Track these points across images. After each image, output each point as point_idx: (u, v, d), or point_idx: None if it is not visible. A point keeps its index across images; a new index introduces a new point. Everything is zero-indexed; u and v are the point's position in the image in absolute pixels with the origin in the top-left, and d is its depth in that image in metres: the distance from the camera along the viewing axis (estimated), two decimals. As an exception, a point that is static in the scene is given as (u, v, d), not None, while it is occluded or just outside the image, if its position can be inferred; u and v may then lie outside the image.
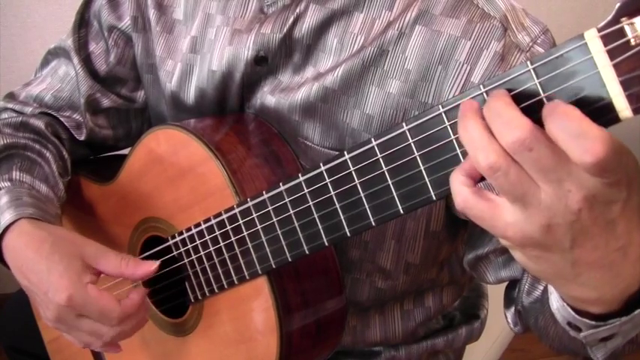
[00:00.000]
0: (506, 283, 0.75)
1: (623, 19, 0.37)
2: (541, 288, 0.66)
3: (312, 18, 0.70)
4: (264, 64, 0.73)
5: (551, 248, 0.43)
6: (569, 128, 0.38)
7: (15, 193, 0.74)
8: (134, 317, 0.69)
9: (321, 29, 0.70)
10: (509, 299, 0.73)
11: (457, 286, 0.87)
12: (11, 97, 0.89)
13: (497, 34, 0.64)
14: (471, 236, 0.74)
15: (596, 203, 0.40)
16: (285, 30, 0.71)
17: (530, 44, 0.64)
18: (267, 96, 0.74)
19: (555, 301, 0.55)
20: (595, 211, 0.41)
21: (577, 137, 0.38)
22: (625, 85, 0.38)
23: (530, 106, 0.41)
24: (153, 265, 0.69)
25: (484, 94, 0.44)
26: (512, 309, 0.72)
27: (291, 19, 0.70)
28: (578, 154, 0.38)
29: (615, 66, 0.38)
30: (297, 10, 0.70)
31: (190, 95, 0.80)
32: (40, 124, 0.84)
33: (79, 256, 0.68)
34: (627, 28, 0.37)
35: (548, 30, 0.66)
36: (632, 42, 0.37)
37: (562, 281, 0.47)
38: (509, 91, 0.42)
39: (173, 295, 0.78)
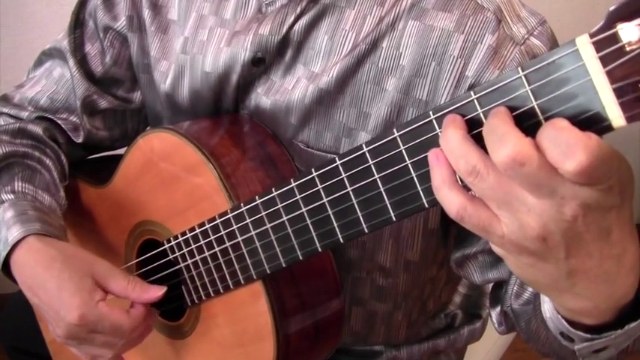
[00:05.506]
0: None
1: (617, 23, 0.36)
2: (530, 290, 0.65)
3: (306, 16, 0.69)
4: (262, 65, 0.72)
5: (546, 258, 0.42)
6: (555, 137, 0.37)
7: (20, 207, 0.73)
8: (142, 326, 0.70)
9: (312, 26, 0.69)
10: (495, 299, 0.72)
11: (453, 282, 0.87)
12: (5, 99, 0.88)
13: (491, 26, 0.62)
14: (460, 234, 0.73)
15: (590, 210, 0.39)
16: (283, 31, 0.70)
17: (526, 36, 0.62)
18: (262, 98, 0.73)
19: (548, 311, 0.55)
20: (588, 218, 0.40)
21: (560, 145, 0.37)
22: (618, 92, 0.37)
23: (525, 115, 0.40)
24: (159, 292, 0.70)
25: (475, 100, 0.43)
26: (498, 309, 0.71)
27: (291, 19, 0.69)
28: (561, 162, 0.37)
29: (608, 73, 0.37)
30: (298, 10, 0.69)
31: (185, 96, 0.79)
32: (38, 129, 0.83)
33: (90, 274, 0.68)
34: (621, 34, 0.36)
35: (546, 21, 0.64)
36: (626, 48, 0.36)
37: (557, 292, 0.46)
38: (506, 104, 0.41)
39: (170, 298, 0.78)
